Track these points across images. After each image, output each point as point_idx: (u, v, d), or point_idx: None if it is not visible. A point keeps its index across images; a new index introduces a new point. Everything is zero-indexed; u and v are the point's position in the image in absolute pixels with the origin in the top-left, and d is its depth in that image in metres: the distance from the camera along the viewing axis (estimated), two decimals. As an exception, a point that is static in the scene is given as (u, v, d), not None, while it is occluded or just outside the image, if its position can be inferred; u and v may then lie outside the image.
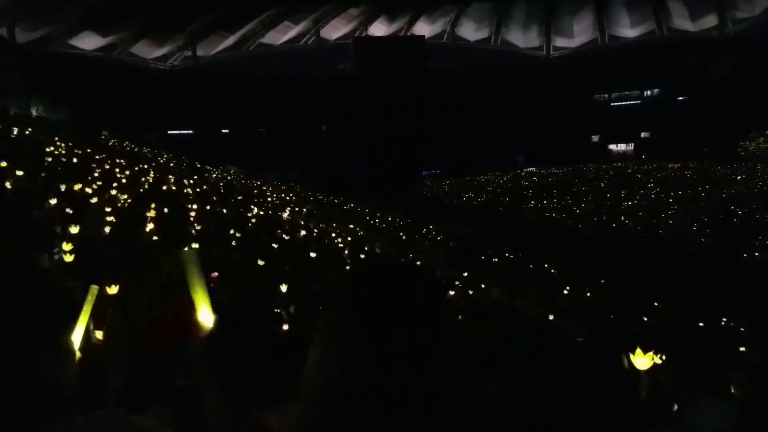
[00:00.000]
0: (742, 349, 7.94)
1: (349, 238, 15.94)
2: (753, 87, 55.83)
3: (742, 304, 11.23)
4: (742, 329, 10.22)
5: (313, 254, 10.15)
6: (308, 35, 75.28)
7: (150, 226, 6.56)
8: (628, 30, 75.97)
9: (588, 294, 12.08)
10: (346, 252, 12.92)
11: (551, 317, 8.56)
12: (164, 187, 13.22)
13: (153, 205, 7.84)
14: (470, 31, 79.41)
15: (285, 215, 17.42)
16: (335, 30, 75.97)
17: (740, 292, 12.16)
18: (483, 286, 11.13)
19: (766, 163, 43.59)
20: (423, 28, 74.54)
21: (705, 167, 44.03)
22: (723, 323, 10.40)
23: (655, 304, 11.22)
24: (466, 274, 12.24)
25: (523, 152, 61.31)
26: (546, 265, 14.94)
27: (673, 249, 17.90)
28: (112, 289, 2.73)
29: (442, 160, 55.26)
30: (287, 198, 25.80)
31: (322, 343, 0.61)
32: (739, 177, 36.38)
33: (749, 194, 28.17)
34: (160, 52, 64.32)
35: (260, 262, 6.72)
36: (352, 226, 19.99)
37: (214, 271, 5.14)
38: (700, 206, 25.30)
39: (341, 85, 59.06)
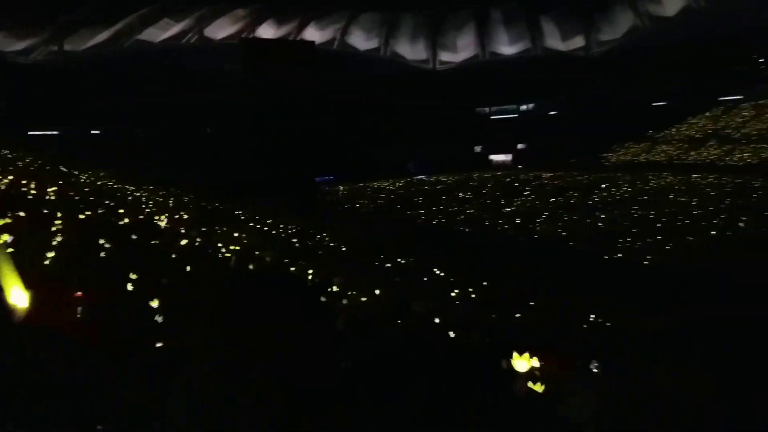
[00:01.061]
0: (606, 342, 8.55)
1: (236, 247, 15.22)
2: (615, 103, 62.06)
3: (607, 301, 12.22)
4: (608, 324, 11.09)
5: (191, 265, 9.49)
6: (191, 33, 71.90)
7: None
8: (507, 47, 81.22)
9: (474, 295, 12.52)
10: (232, 262, 12.30)
11: (440, 319, 8.75)
12: (23, 192, 11.77)
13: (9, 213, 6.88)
14: (360, 40, 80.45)
15: (162, 223, 16.27)
16: (220, 29, 73.36)
17: (605, 290, 13.26)
18: (377, 292, 11.13)
19: (625, 172, 48.51)
20: (313, 34, 74.31)
21: (573, 176, 48.01)
22: (591, 319, 11.22)
23: (532, 303, 11.88)
24: (360, 280, 12.17)
25: (414, 160, 63.01)
26: (436, 269, 15.30)
27: (546, 251, 19.15)
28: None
29: (337, 167, 55.25)
30: (166, 204, 24.21)
31: (199, 357, 0.62)
32: (603, 185, 40.05)
33: (612, 201, 31.02)
34: (21, 45, 58.12)
35: (132, 276, 6.09)
36: (239, 234, 19.17)
37: (78, 289, 4.64)
38: (570, 212, 27.37)
39: (227, 86, 56.97)
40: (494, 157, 68.82)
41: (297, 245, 19.65)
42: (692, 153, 51.48)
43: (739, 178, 38.18)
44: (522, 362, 3.77)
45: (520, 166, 62.88)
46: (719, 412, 3.59)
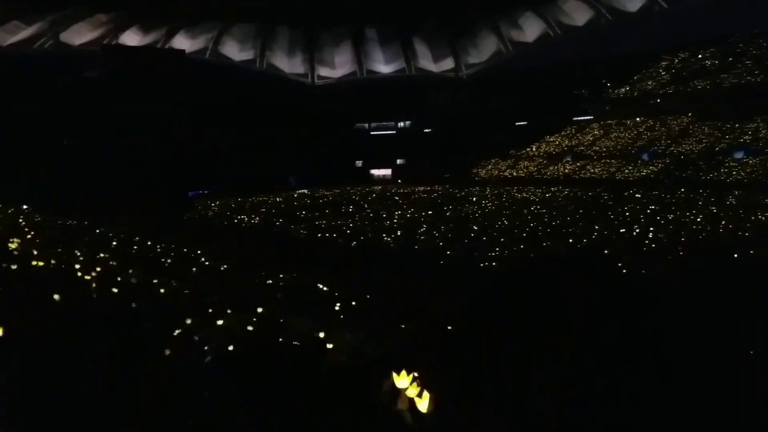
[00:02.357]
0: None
1: (99, 269, 13.88)
2: (483, 121, 66.37)
3: (481, 309, 12.83)
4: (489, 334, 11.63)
5: (46, 290, 8.45)
6: (45, 38, 65.49)
7: None
8: (383, 66, 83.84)
9: (359, 309, 12.51)
10: (94, 285, 11.18)
11: (322, 335, 8.59)
12: None
13: None
14: (234, 51, 78.54)
15: (12, 245, 14.44)
16: (79, 35, 67.67)
17: (479, 298, 13.91)
18: (260, 310, 10.69)
19: (493, 186, 51.96)
20: (183, 43, 71.17)
21: (447, 190, 50.50)
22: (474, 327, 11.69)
23: (413, 316, 12.12)
24: (238, 298, 11.63)
25: (294, 174, 62.38)
26: (319, 284, 15.11)
27: (426, 261, 19.76)
28: None
29: (211, 181, 53.01)
30: (16, 224, 21.58)
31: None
32: (473, 198, 42.50)
33: (481, 213, 32.96)
34: None
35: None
36: (103, 255, 17.54)
37: None
38: (446, 223, 28.60)
39: (87, 95, 52.37)
40: (374, 172, 70.34)
41: (168, 263, 18.41)
42: (550, 168, 56.54)
43: (591, 190, 42.55)
44: (403, 380, 3.73)
45: (399, 181, 64.87)
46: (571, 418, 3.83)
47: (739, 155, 45.36)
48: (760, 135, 46.65)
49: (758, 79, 52.60)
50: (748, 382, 4.35)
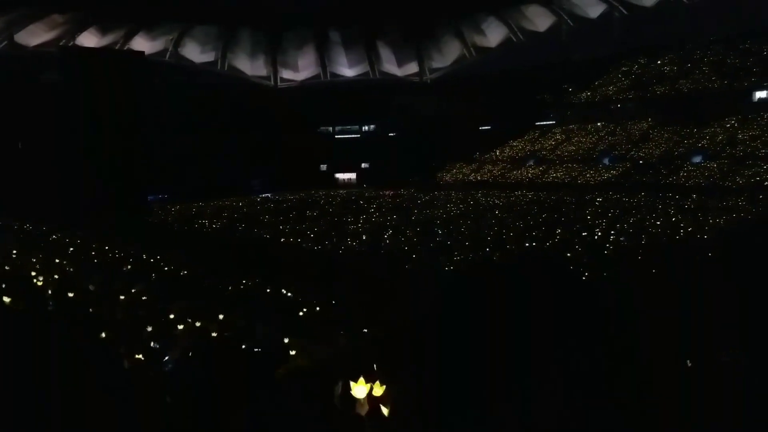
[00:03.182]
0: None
1: (55, 276, 13.43)
2: (447, 125, 66.95)
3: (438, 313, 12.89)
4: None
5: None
6: (-1, 39, 63.21)
7: None
8: (347, 70, 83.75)
9: (322, 315, 12.41)
10: (50, 291, 10.82)
11: (287, 341, 8.48)
12: None
13: None
14: (195, 53, 77.26)
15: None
16: (35, 36, 65.48)
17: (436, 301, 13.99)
18: (221, 316, 10.50)
19: (458, 190, 52.52)
20: (142, 44, 69.57)
21: (412, 194, 50.76)
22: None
23: (378, 321, 12.09)
24: (200, 305, 11.40)
25: (258, 178, 61.64)
26: (283, 290, 14.95)
27: (392, 265, 19.78)
28: None
29: (172, 185, 51.90)
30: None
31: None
32: (438, 202, 42.84)
33: (447, 217, 33.25)
34: None
35: None
36: (59, 260, 16.97)
37: None
38: (412, 227, 28.72)
39: (43, 97, 50.59)
40: (339, 176, 70.17)
41: (128, 270, 17.93)
42: (514, 172, 57.49)
43: (554, 194, 43.43)
44: (362, 388, 3.68)
45: (364, 185, 64.86)
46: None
47: (697, 159, 47.00)
48: (717, 140, 48.48)
49: (714, 85, 54.66)
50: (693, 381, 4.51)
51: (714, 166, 44.81)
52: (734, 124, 49.69)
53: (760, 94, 51.59)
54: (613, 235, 23.18)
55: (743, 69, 54.32)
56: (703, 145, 48.87)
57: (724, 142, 47.75)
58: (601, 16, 73.08)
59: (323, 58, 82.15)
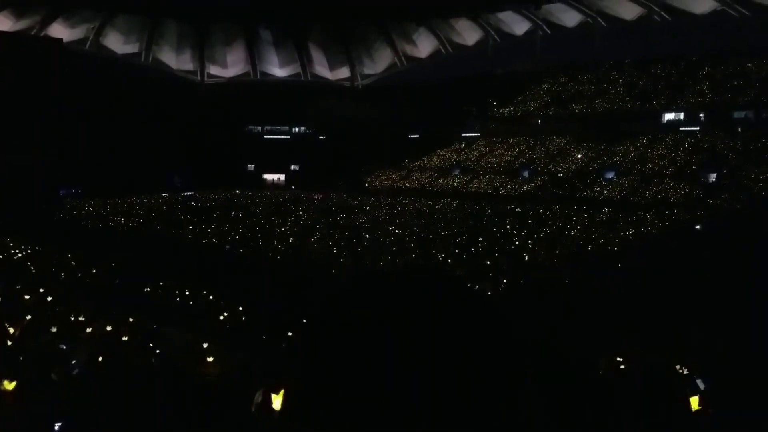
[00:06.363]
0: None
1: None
2: (377, 131, 67.45)
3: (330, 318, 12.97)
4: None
5: None
6: None
7: None
8: (277, 69, 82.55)
9: (243, 319, 12.15)
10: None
11: (206, 345, 8.24)
12: None
13: None
14: (118, 43, 73.50)
15: None
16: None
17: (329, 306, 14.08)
18: (132, 320, 10.03)
19: (386, 195, 53.02)
20: (61, 31, 65.27)
21: (341, 198, 50.69)
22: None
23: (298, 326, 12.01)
24: (109, 306, 10.83)
25: (180, 175, 59.28)
26: (204, 291, 14.51)
27: (321, 270, 19.67)
28: None
29: (86, 178, 48.99)
30: None
31: None
32: (367, 207, 43.07)
33: (375, 222, 33.51)
34: None
35: None
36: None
37: None
38: (340, 231, 28.71)
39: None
40: (267, 177, 68.87)
41: (33, 270, 16.76)
42: (440, 181, 58.81)
43: (477, 204, 44.80)
44: (278, 399, 3.66)
45: (293, 187, 64.04)
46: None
47: (609, 175, 50.00)
48: (629, 157, 51.81)
49: (628, 106, 58.59)
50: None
51: (624, 182, 47.89)
52: (645, 142, 53.39)
53: (668, 116, 55.85)
54: (530, 244, 24.26)
55: (654, 91, 58.65)
56: (614, 161, 52.11)
57: (635, 159, 51.14)
58: (525, 33, 76.51)
59: (253, 56, 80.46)
